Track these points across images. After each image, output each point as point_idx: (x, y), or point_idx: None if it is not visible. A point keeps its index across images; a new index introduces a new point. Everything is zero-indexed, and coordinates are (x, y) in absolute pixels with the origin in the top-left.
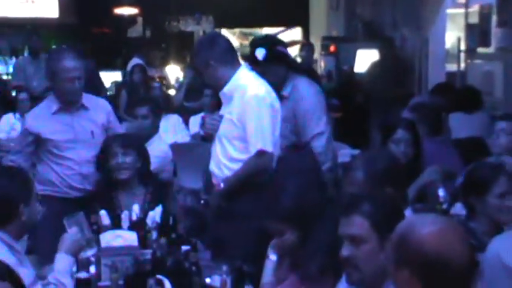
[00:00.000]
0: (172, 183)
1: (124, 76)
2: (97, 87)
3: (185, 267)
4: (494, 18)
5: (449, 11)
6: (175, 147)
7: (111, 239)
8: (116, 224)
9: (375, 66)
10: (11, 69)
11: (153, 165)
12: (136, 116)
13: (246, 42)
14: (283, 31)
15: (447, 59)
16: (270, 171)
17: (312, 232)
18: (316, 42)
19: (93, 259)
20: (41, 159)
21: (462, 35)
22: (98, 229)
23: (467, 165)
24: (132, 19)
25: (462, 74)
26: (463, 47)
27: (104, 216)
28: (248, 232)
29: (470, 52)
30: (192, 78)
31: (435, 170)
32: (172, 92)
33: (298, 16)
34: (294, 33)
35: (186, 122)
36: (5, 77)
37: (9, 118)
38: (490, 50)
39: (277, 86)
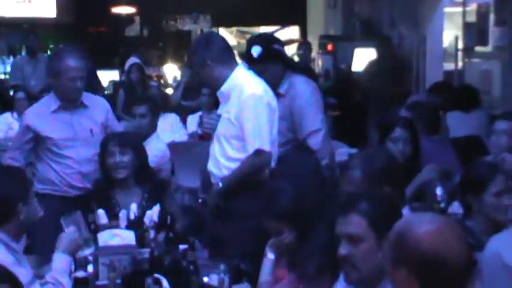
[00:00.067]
0: (170, 182)
1: (121, 75)
2: (94, 87)
3: (183, 266)
4: (491, 17)
5: (447, 9)
6: (173, 146)
7: (109, 238)
8: (113, 223)
9: (372, 64)
10: (8, 69)
11: (151, 164)
12: (134, 115)
13: (244, 41)
14: (280, 29)
15: (445, 57)
16: (269, 170)
17: (310, 231)
18: (314, 40)
19: (91, 258)
20: (41, 158)
21: (460, 33)
22: (96, 228)
23: (464, 164)
24: (129, 18)
25: (460, 72)
26: (460, 45)
27: (102, 215)
28: (246, 231)
29: (468, 51)
30: (189, 77)
31: (433, 169)
32: (170, 91)
33: (296, 15)
34: (292, 32)
35: (184, 121)
36: (2, 77)
37: (7, 117)
38: (488, 48)
39: (274, 84)
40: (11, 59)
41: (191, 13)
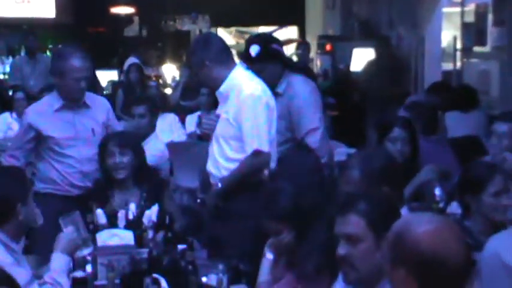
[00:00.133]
0: (168, 182)
1: (120, 75)
2: (93, 87)
3: (181, 266)
4: (490, 17)
5: (445, 9)
6: (171, 146)
7: (108, 237)
8: (112, 223)
9: (371, 65)
10: (7, 69)
11: (150, 164)
12: (133, 115)
13: (242, 41)
14: (279, 29)
15: (443, 57)
16: (269, 171)
17: (309, 231)
18: (312, 41)
19: (89, 258)
20: (42, 157)
21: (458, 33)
22: (94, 228)
23: (463, 164)
24: (128, 18)
25: (458, 72)
26: (459, 45)
27: (100, 215)
28: (244, 231)
29: (466, 51)
30: (188, 77)
31: (432, 169)
32: (168, 91)
33: (294, 15)
34: (290, 32)
35: (183, 121)
36: (1, 77)
37: (6, 117)
38: (486, 49)
39: (272, 84)
40: (10, 59)
41: (190, 13)
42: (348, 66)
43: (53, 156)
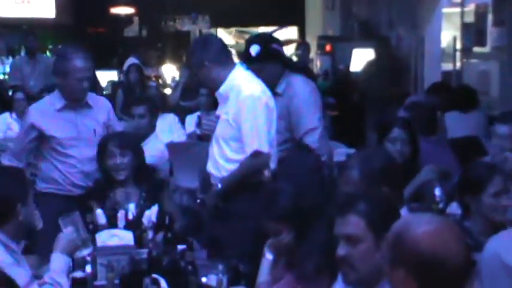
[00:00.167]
0: (168, 183)
1: (120, 75)
2: (93, 87)
3: (181, 267)
4: (490, 18)
5: (445, 10)
6: (171, 146)
7: (107, 238)
8: (112, 223)
9: (370, 65)
10: (7, 69)
11: (150, 164)
12: (132, 116)
13: (242, 41)
14: (278, 30)
15: (443, 58)
16: (270, 172)
17: (309, 231)
18: (312, 41)
19: (89, 258)
20: (45, 157)
21: (458, 34)
22: (94, 228)
23: (463, 165)
24: (128, 19)
25: (458, 73)
26: (458, 46)
27: (100, 215)
28: (244, 231)
29: (466, 51)
30: (188, 77)
31: (431, 169)
32: (168, 91)
33: (294, 15)
34: (290, 32)
35: (182, 121)
36: (1, 77)
37: (6, 118)
38: (486, 49)
39: (272, 84)
40: (10, 59)
41: (190, 13)
42: (348, 66)
43: (56, 156)
